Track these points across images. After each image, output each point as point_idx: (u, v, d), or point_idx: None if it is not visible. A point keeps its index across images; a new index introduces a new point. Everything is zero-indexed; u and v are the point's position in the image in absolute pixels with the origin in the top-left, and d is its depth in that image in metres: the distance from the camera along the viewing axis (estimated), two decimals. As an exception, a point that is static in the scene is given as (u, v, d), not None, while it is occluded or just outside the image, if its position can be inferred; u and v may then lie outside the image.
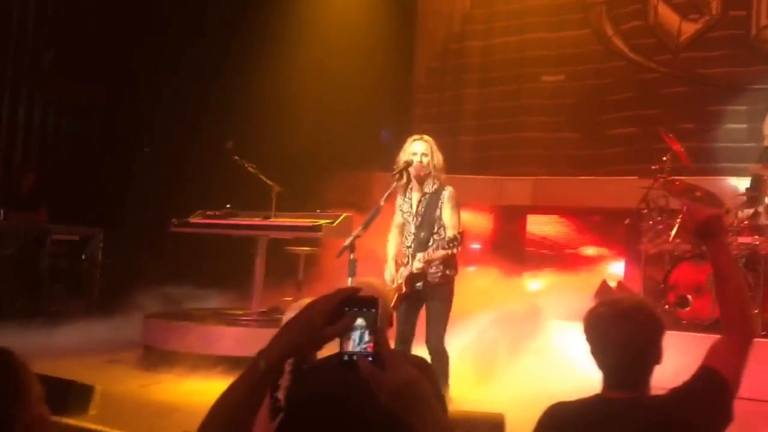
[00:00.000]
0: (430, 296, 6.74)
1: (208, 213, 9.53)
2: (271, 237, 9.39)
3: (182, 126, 12.97)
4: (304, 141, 12.93)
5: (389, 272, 6.88)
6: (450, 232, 6.67)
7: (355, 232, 6.83)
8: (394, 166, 7.01)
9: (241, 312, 9.44)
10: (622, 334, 2.95)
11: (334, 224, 8.60)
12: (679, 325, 8.39)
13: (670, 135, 9.26)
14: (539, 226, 12.69)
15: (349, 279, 6.44)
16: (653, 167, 9.19)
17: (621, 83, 12.26)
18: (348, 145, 12.67)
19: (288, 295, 9.59)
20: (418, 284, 6.71)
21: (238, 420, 1.91)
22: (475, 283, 8.56)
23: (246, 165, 9.48)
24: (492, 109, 13.28)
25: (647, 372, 3.04)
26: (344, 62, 12.98)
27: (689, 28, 11.78)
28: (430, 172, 6.88)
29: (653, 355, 3.02)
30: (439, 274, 6.71)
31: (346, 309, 1.87)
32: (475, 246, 12.19)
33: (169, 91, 13.04)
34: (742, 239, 8.43)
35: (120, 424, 6.56)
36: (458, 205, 6.90)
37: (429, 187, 6.88)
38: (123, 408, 7.06)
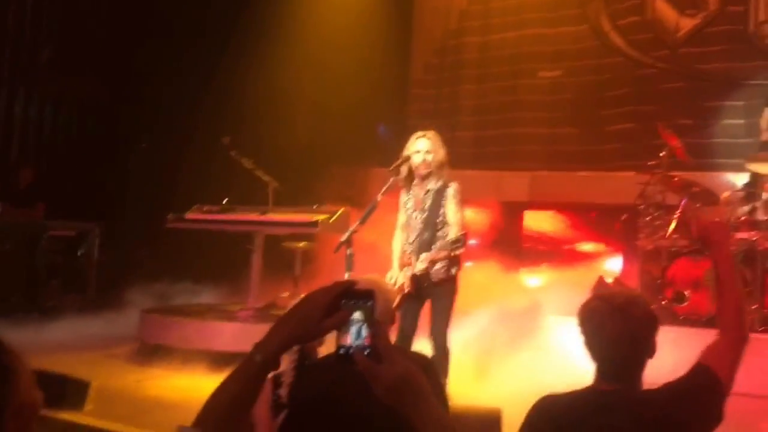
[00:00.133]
0: (433, 293, 6.72)
1: (205, 208, 9.51)
2: (268, 232, 9.38)
3: (179, 122, 12.95)
4: (301, 136, 12.93)
5: (393, 273, 6.85)
6: (454, 230, 6.65)
7: (352, 227, 6.81)
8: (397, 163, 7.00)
9: (237, 307, 9.43)
10: (617, 328, 2.98)
11: (331, 220, 8.59)
12: (677, 321, 8.39)
13: (668, 131, 9.26)
14: (536, 221, 12.68)
15: (347, 274, 6.43)
16: (651, 163, 9.18)
17: (619, 79, 12.25)
18: (345, 140, 12.66)
19: (285, 291, 9.59)
20: (424, 281, 6.69)
21: (234, 413, 1.90)
22: (472, 279, 8.53)
23: (243, 160, 9.47)
24: (489, 104, 13.27)
25: (640, 365, 3.06)
26: (341, 58, 12.96)
27: (687, 24, 11.78)
28: (434, 169, 6.87)
29: (647, 349, 3.05)
30: (444, 270, 6.69)
31: (343, 302, 1.86)
32: (472, 242, 12.18)
33: (166, 87, 13.04)
34: (739, 235, 8.43)
35: (116, 418, 6.56)
36: (462, 201, 6.88)
37: (433, 184, 6.83)
38: (119, 403, 7.06)
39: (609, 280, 9.46)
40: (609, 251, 11.56)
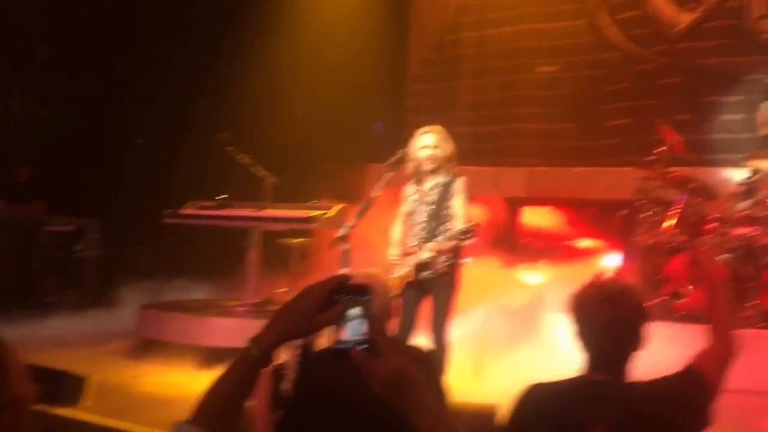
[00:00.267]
0: (436, 286, 6.75)
1: (202, 204, 9.50)
2: (265, 228, 9.37)
3: (176, 117, 12.93)
4: (297, 132, 12.92)
5: (393, 254, 6.86)
6: (459, 223, 6.68)
7: (348, 223, 6.82)
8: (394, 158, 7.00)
9: (235, 303, 9.43)
10: (607, 316, 3.00)
11: (328, 215, 8.59)
12: (675, 317, 8.37)
13: (667, 126, 9.24)
14: (534, 217, 12.67)
15: (343, 270, 6.43)
16: (649, 158, 9.17)
17: (617, 74, 12.23)
18: (342, 136, 12.66)
19: (282, 287, 9.58)
20: (426, 273, 6.72)
21: (229, 408, 1.89)
22: (469, 275, 8.50)
23: (239, 156, 9.46)
24: (487, 100, 13.24)
25: (628, 357, 3.08)
26: (338, 53, 12.95)
27: (685, 19, 11.75)
28: (442, 164, 6.87)
29: (636, 340, 3.07)
30: (447, 264, 6.71)
31: (338, 296, 1.85)
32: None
33: (163, 82, 13.01)
34: (738, 230, 8.41)
35: (113, 414, 6.56)
36: (469, 196, 6.90)
37: (442, 178, 6.88)
38: (116, 398, 7.06)
39: (607, 276, 9.45)
40: (607, 247, 11.54)
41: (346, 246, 6.72)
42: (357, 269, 5.98)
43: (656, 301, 8.71)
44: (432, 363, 4.27)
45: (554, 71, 12.67)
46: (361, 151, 12.35)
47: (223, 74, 12.74)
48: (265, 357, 1.87)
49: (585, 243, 12.03)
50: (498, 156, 12.74)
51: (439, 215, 6.80)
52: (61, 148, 13.69)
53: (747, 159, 8.93)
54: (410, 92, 14.02)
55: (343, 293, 1.86)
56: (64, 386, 6.84)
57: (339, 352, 1.82)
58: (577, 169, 12.05)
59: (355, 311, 1.83)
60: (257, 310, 9.00)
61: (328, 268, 7.66)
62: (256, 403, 4.01)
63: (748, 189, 8.66)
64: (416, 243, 6.79)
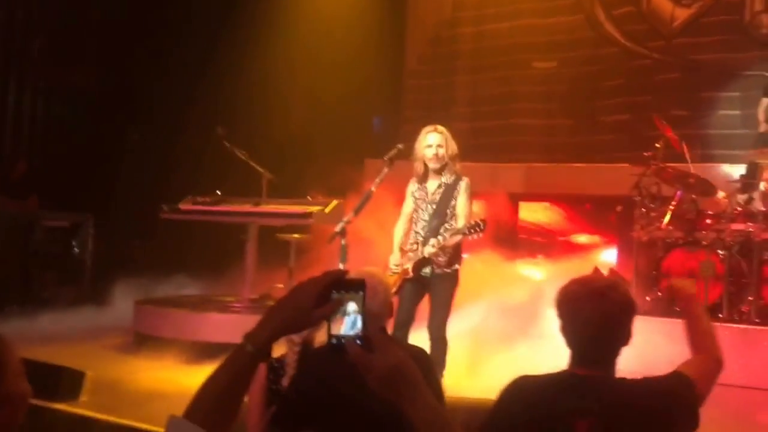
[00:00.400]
0: (435, 283, 6.78)
1: (198, 199, 9.48)
2: (262, 224, 9.36)
3: (172, 112, 12.91)
4: (294, 127, 12.90)
5: (394, 259, 6.88)
6: (461, 222, 6.70)
7: (346, 218, 6.83)
8: (411, 155, 7.02)
9: (232, 298, 9.42)
10: (596, 312, 3.01)
11: (325, 211, 8.57)
12: (672, 312, 8.37)
13: (663, 122, 9.24)
14: (532, 213, 12.67)
15: (341, 265, 6.43)
16: (646, 154, 9.17)
17: (614, 70, 12.23)
18: (339, 131, 12.63)
19: (279, 282, 9.57)
20: (426, 270, 6.73)
21: (225, 403, 1.88)
22: (467, 271, 8.50)
23: (236, 151, 9.45)
24: (484, 95, 13.23)
25: (616, 351, 3.09)
26: (335, 48, 12.93)
27: (682, 14, 11.74)
28: (446, 163, 6.89)
29: (623, 335, 3.07)
30: (446, 261, 6.73)
31: (334, 292, 1.85)
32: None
33: (159, 77, 13.00)
34: (735, 226, 8.42)
35: (110, 409, 6.55)
36: (472, 196, 6.95)
37: (446, 177, 6.91)
38: (113, 394, 7.05)
39: (604, 271, 9.44)
40: (604, 243, 11.56)
41: (343, 241, 6.73)
42: (355, 265, 5.99)
43: (653, 296, 8.73)
44: (428, 360, 4.27)
45: (551, 67, 12.66)
46: (358, 146, 12.34)
47: (220, 69, 12.73)
48: (261, 352, 1.87)
49: (582, 238, 12.04)
50: (495, 152, 12.73)
51: (442, 214, 6.83)
52: (58, 143, 13.69)
53: (747, 154, 8.95)
54: (407, 87, 14.01)
55: (338, 288, 1.85)
56: (62, 381, 6.84)
57: (335, 348, 1.82)
58: (574, 165, 12.04)
59: (351, 306, 1.83)
60: (255, 305, 8.99)
61: (325, 263, 7.67)
62: (250, 398, 4.02)
63: (746, 184, 8.67)
64: (418, 241, 6.81)
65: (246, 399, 3.73)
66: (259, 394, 4.02)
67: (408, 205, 7.04)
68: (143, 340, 9.05)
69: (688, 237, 8.78)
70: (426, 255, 6.68)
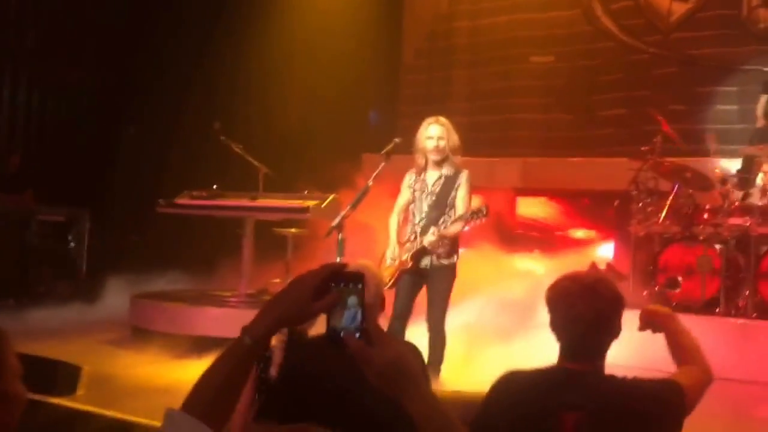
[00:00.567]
0: (433, 275, 6.76)
1: (195, 194, 9.47)
2: (259, 218, 9.35)
3: (168, 106, 12.89)
4: (291, 121, 12.88)
5: (391, 252, 6.85)
6: (459, 214, 6.69)
7: (343, 212, 6.82)
8: (410, 148, 7.01)
9: (229, 293, 9.41)
10: (588, 308, 3.04)
11: (322, 205, 8.57)
12: (669, 307, 8.35)
13: (661, 116, 9.24)
14: (529, 208, 12.66)
15: (338, 259, 6.42)
16: (643, 148, 9.17)
17: (611, 64, 12.23)
18: (336, 125, 12.63)
19: (276, 277, 9.57)
20: (425, 261, 6.71)
21: (223, 397, 1.87)
22: (465, 265, 8.51)
23: (233, 146, 9.44)
24: (481, 90, 13.23)
25: (606, 346, 3.12)
26: (332, 43, 12.92)
27: (679, 8, 11.73)
28: (447, 155, 6.87)
29: (613, 330, 3.10)
30: (445, 253, 6.72)
31: (332, 284, 1.84)
32: (465, 229, 12.14)
33: (155, 71, 12.98)
34: (732, 221, 8.42)
35: (107, 403, 6.54)
36: (472, 189, 6.92)
37: (447, 170, 6.89)
38: (110, 388, 7.04)
39: (601, 266, 9.45)
40: (601, 237, 11.55)
41: (340, 235, 6.72)
42: (352, 259, 5.98)
43: (651, 291, 8.73)
44: (420, 356, 4.27)
45: (548, 61, 12.66)
46: (355, 140, 12.33)
47: (217, 63, 12.72)
48: (259, 345, 1.86)
49: (580, 233, 12.03)
50: (493, 146, 12.71)
51: (441, 206, 6.81)
52: (53, 138, 13.66)
53: (743, 149, 8.96)
54: (404, 82, 14.00)
55: (336, 281, 1.84)
56: (58, 376, 6.83)
57: (334, 341, 1.81)
58: (572, 160, 12.04)
59: (351, 300, 1.82)
60: (252, 300, 8.98)
61: (322, 257, 7.67)
62: None
63: (742, 179, 8.67)
64: (416, 230, 6.79)
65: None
66: (249, 384, 4.00)
67: (404, 197, 7.00)
68: (140, 335, 9.05)
69: (686, 232, 8.78)
70: (426, 244, 6.66)
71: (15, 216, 11.57)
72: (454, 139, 6.93)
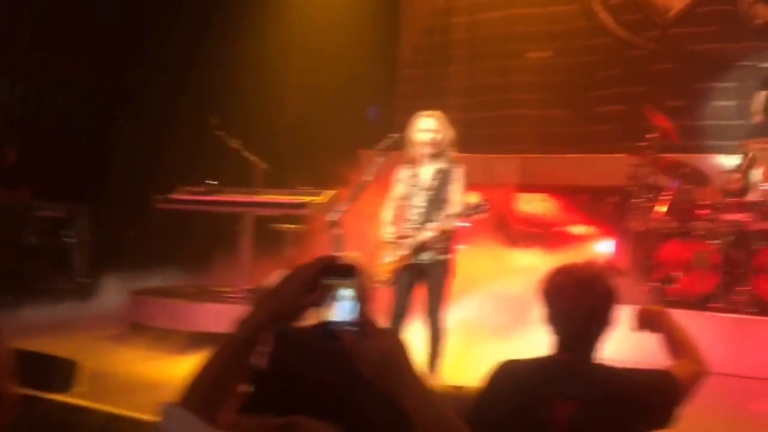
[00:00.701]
0: (431, 271, 6.71)
1: (193, 189, 9.46)
2: (257, 214, 9.34)
3: (166, 101, 12.86)
4: (289, 117, 12.87)
5: (387, 232, 6.79)
6: (454, 208, 6.63)
7: (340, 208, 6.80)
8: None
9: (227, 289, 9.40)
10: (583, 303, 3.08)
11: (320, 201, 8.56)
12: (667, 302, 8.38)
13: (659, 112, 9.24)
14: (527, 204, 12.65)
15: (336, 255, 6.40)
16: (641, 144, 9.16)
17: (609, 60, 12.22)
18: (334, 121, 12.61)
19: (274, 273, 9.55)
20: (424, 256, 6.67)
21: (218, 391, 1.87)
22: (462, 261, 8.52)
23: (230, 141, 9.43)
24: (479, 86, 13.22)
25: (600, 337, 3.16)
26: (329, 39, 12.90)
27: (678, 4, 11.73)
28: (443, 149, 6.82)
29: (605, 323, 3.14)
30: (444, 248, 6.68)
31: (326, 277, 1.83)
32: (464, 224, 12.13)
33: (152, 66, 12.95)
34: (730, 216, 8.43)
35: (105, 399, 6.53)
36: (467, 184, 6.85)
37: (441, 164, 6.81)
38: (108, 384, 7.03)
39: (600, 262, 9.46)
40: (600, 233, 11.54)
41: (338, 231, 6.70)
42: (347, 254, 5.98)
43: (648, 286, 8.73)
44: (409, 349, 4.25)
45: (546, 57, 12.65)
46: (352, 136, 12.31)
47: (214, 58, 12.69)
48: (253, 339, 1.86)
49: (578, 229, 12.03)
50: (491, 143, 12.70)
51: (436, 201, 6.74)
52: (50, 132, 13.61)
53: (740, 145, 8.95)
54: (402, 78, 13.99)
55: (330, 274, 1.84)
56: (56, 371, 6.80)
57: (328, 333, 1.81)
58: (570, 156, 12.04)
59: (346, 292, 1.81)
60: (251, 295, 8.97)
61: (321, 253, 7.66)
62: None
63: (741, 175, 8.67)
64: (412, 227, 6.74)
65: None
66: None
67: (397, 191, 6.90)
68: (138, 330, 9.04)
69: (684, 227, 8.78)
70: (423, 240, 6.62)
71: (11, 211, 11.53)
72: (449, 133, 6.86)
